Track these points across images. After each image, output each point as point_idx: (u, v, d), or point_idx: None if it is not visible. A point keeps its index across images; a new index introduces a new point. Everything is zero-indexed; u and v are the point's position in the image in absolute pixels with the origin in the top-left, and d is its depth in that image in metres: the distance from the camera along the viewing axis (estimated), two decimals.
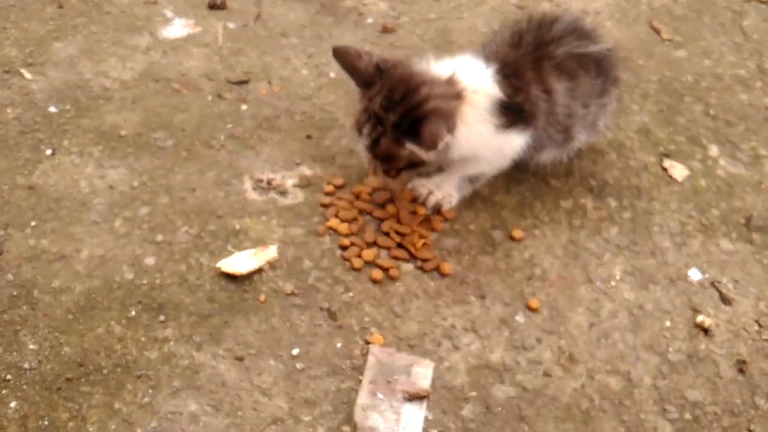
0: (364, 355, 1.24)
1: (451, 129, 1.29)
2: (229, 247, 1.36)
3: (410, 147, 1.30)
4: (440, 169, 1.46)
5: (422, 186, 1.47)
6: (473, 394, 1.22)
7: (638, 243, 1.47)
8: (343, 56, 1.35)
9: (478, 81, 1.34)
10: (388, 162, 1.34)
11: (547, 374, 1.25)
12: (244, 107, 1.65)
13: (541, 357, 1.28)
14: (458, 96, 1.32)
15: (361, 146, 1.36)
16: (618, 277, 1.41)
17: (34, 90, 1.62)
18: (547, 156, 1.51)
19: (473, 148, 1.36)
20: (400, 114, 1.28)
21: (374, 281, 1.34)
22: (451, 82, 1.32)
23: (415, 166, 1.35)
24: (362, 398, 1.17)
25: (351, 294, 1.32)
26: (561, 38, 1.41)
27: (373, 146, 1.32)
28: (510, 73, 1.36)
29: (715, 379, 1.28)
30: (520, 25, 1.45)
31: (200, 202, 1.44)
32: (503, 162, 1.44)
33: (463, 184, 1.48)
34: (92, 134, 1.54)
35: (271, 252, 1.35)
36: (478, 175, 1.47)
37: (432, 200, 1.46)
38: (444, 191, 1.46)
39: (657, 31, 2.02)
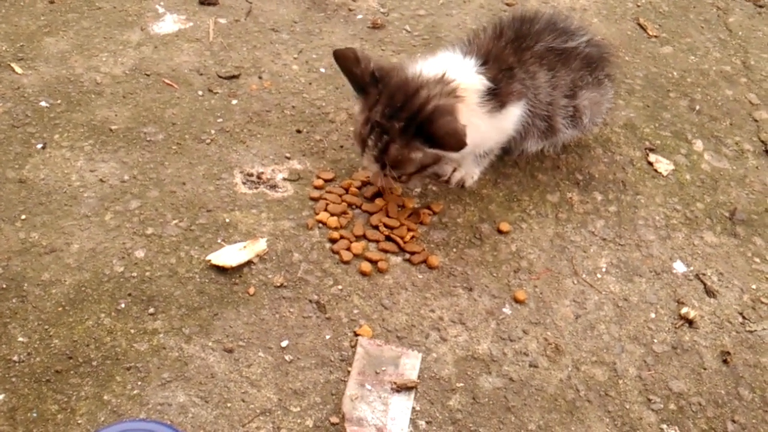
0: (353, 346, 1.25)
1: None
2: (219, 240, 1.37)
3: (431, 151, 1.32)
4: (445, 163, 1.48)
5: (446, 164, 1.51)
6: (460, 385, 1.23)
7: (624, 236, 1.49)
8: (342, 59, 1.37)
9: (463, 76, 1.37)
10: (398, 168, 1.36)
11: (533, 365, 1.27)
12: (234, 102, 1.65)
13: (528, 348, 1.29)
14: (453, 93, 1.35)
15: (366, 157, 1.37)
16: (604, 270, 1.43)
17: (25, 84, 1.62)
18: (532, 146, 1.53)
19: (476, 137, 1.39)
20: (405, 119, 1.31)
21: (363, 274, 1.35)
22: (444, 80, 1.35)
23: (423, 168, 1.38)
24: (351, 389, 1.18)
25: (340, 286, 1.33)
26: (539, 35, 1.46)
27: (381, 155, 1.34)
28: (492, 60, 1.40)
29: (699, 370, 1.30)
30: (501, 21, 1.50)
31: (190, 195, 1.44)
32: (508, 134, 1.47)
33: (478, 159, 1.51)
34: (83, 128, 1.55)
35: (260, 245, 1.36)
36: (487, 150, 1.51)
37: (456, 177, 1.52)
38: (466, 168, 1.51)
39: (643, 28, 2.03)
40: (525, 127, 1.46)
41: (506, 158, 1.59)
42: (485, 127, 1.39)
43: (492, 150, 1.51)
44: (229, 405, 1.16)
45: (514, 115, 1.42)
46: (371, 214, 1.45)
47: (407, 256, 1.40)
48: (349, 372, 1.21)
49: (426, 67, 1.38)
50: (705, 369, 1.30)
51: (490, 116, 1.38)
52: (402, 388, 1.19)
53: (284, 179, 1.50)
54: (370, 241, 1.41)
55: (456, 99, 1.34)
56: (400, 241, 1.40)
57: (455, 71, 1.37)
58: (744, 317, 1.39)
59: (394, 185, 1.42)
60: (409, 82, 1.34)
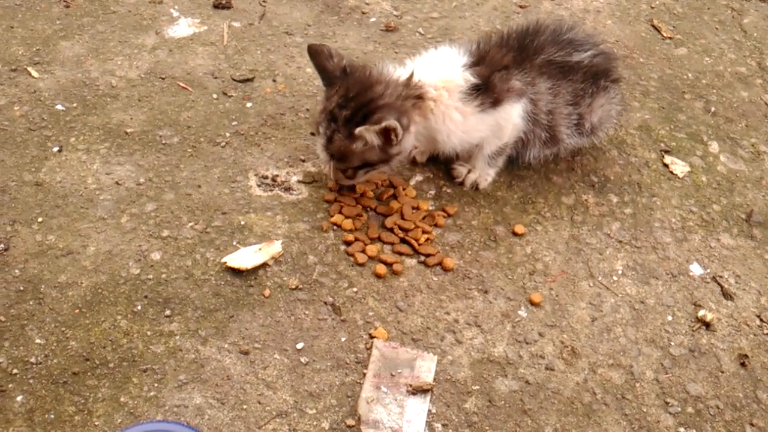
0: (368, 348, 1.25)
1: (405, 126, 1.35)
2: (235, 243, 1.37)
3: (361, 132, 1.33)
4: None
5: (460, 166, 1.53)
6: (476, 387, 1.22)
7: (639, 238, 1.48)
8: (316, 54, 1.41)
9: (448, 72, 1.39)
10: (342, 160, 1.38)
11: (549, 368, 1.26)
12: (249, 105, 1.66)
13: (544, 351, 1.28)
14: (417, 96, 1.37)
15: (318, 145, 1.40)
16: (620, 272, 1.42)
17: (41, 88, 1.63)
18: (535, 155, 1.53)
19: (458, 131, 1.41)
20: (353, 109, 1.34)
21: (378, 276, 1.35)
22: (408, 84, 1.38)
23: (368, 165, 1.39)
24: (366, 391, 1.18)
25: (355, 289, 1.33)
26: (542, 47, 1.46)
27: (328, 144, 1.37)
28: (487, 61, 1.41)
29: (717, 373, 1.29)
30: (509, 30, 1.51)
31: (206, 198, 1.45)
32: (512, 132, 1.46)
33: (491, 160, 1.51)
34: (99, 131, 1.56)
35: (275, 247, 1.36)
36: (497, 150, 1.50)
37: (471, 178, 1.52)
38: (480, 170, 1.52)
39: (657, 30, 2.03)
40: (525, 135, 1.46)
41: (520, 161, 1.59)
42: (474, 121, 1.40)
43: (503, 150, 1.51)
44: (245, 407, 1.16)
45: (508, 113, 1.42)
46: (386, 216, 1.45)
47: (422, 258, 1.39)
48: (364, 374, 1.21)
49: (397, 69, 1.41)
50: (723, 372, 1.29)
51: (482, 111, 1.40)
52: (418, 391, 1.19)
53: (299, 182, 1.50)
54: (384, 243, 1.41)
55: (420, 101, 1.37)
56: (415, 244, 1.40)
57: (438, 72, 1.39)
58: (762, 320, 1.38)
59: (343, 180, 1.43)
60: (369, 77, 1.38)
